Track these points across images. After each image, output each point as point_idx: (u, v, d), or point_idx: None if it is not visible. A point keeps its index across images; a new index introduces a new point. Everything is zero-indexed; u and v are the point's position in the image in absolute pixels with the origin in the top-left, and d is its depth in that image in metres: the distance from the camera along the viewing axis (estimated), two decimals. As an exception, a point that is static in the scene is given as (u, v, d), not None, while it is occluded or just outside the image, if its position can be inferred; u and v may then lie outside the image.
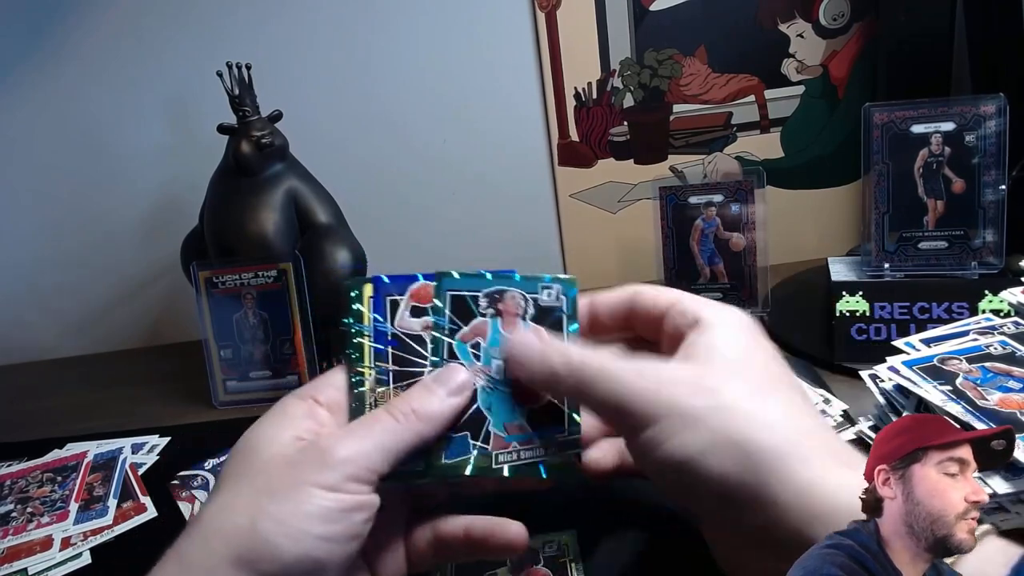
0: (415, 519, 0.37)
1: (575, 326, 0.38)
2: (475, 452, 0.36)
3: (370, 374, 0.37)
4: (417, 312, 0.37)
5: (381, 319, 0.37)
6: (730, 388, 0.32)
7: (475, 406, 0.36)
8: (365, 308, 0.37)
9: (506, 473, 0.35)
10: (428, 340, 0.37)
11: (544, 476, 0.36)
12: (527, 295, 0.38)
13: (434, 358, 0.37)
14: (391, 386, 0.37)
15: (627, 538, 0.41)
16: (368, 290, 0.37)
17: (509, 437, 0.36)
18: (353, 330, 0.37)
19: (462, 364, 0.36)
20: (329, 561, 0.31)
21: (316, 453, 0.32)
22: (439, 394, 0.35)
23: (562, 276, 0.38)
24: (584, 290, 0.39)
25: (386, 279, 0.38)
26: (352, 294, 0.37)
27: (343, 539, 0.31)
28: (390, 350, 0.37)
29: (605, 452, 0.38)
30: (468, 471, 0.35)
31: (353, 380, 0.37)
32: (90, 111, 0.87)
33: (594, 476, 0.38)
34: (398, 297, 0.37)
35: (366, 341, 0.37)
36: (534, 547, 0.41)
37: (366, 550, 0.35)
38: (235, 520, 0.30)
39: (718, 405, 0.31)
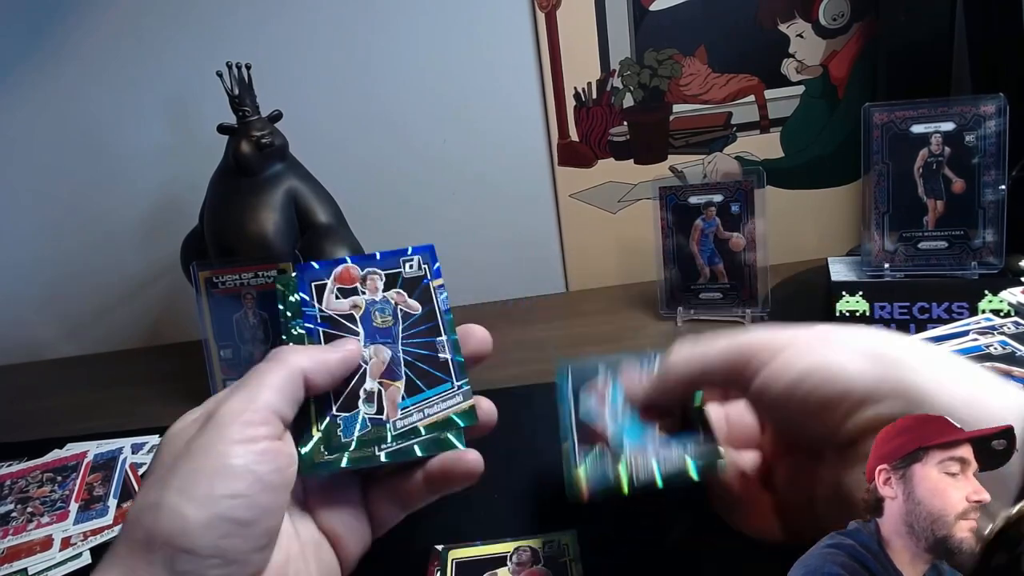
0: (370, 485, 0.37)
1: None
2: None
3: None
4: (344, 293, 0.39)
5: (308, 303, 0.39)
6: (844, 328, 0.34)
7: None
8: (294, 297, 0.39)
9: (659, 477, 0.35)
10: (357, 317, 0.38)
11: (695, 477, 0.35)
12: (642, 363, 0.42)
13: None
14: None
15: (627, 538, 0.41)
16: (294, 282, 0.39)
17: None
18: (287, 317, 0.38)
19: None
20: (253, 519, 0.30)
21: (208, 418, 0.32)
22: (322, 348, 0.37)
23: None
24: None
25: (315, 265, 0.40)
26: (281, 288, 0.39)
27: (257, 490, 0.30)
28: (321, 331, 0.38)
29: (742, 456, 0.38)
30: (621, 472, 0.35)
31: None
32: (90, 111, 0.87)
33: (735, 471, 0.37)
34: (324, 281, 0.39)
35: (298, 326, 0.38)
36: (534, 547, 0.41)
37: (325, 527, 0.35)
38: (144, 504, 0.30)
39: (839, 331, 0.34)
